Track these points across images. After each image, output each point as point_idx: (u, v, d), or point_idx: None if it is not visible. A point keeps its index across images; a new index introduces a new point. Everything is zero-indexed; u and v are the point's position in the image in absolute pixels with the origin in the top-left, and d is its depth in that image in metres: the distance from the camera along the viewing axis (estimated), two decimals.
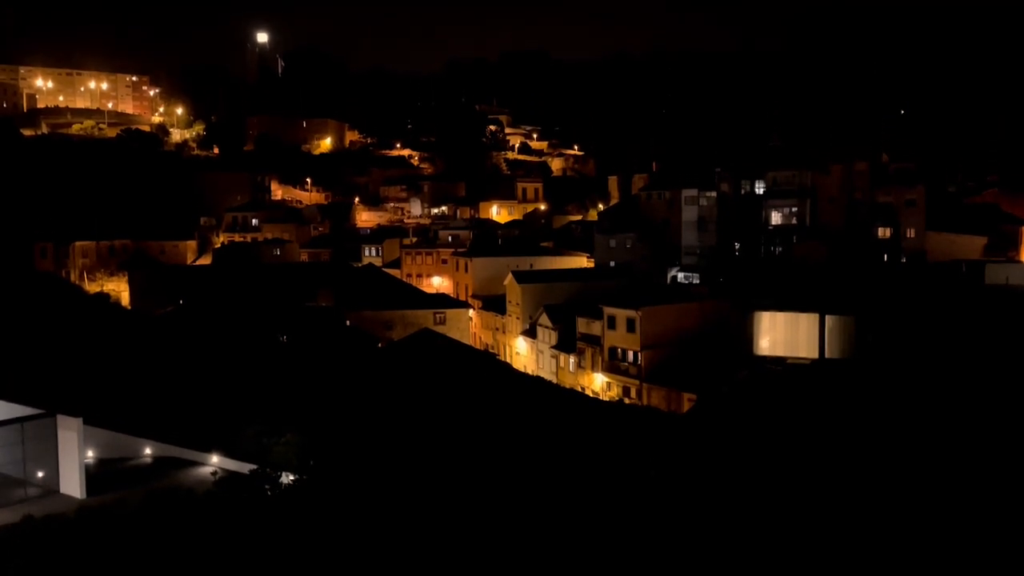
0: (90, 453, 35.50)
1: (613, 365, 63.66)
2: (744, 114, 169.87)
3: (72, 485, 32.62)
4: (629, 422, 41.85)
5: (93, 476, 33.50)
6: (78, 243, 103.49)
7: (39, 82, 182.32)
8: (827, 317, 54.66)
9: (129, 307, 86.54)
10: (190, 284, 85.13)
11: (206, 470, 34.50)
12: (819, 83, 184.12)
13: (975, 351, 43.84)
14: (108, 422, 37.12)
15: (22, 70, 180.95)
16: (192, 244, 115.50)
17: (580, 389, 65.11)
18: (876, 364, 46.39)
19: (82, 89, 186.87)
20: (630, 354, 61.99)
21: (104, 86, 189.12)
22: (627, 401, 59.56)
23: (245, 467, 32.61)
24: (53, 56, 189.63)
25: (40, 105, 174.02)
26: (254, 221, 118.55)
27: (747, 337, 57.30)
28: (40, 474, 33.33)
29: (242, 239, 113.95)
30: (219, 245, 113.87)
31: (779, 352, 55.95)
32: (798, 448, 30.01)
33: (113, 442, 37.05)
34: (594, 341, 65.83)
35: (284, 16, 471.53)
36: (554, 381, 67.71)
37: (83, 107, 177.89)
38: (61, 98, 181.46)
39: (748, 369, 53.05)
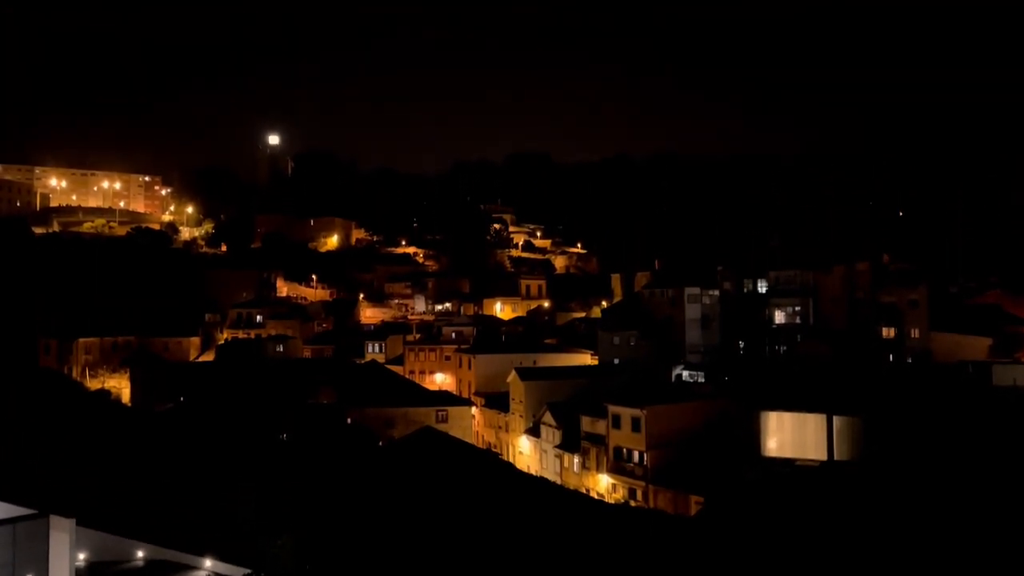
0: (81, 556, 34.45)
1: (618, 466, 62.44)
2: (744, 214, 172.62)
3: None
4: (636, 526, 40.75)
5: None
6: (82, 339, 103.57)
7: (53, 182, 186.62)
8: (835, 418, 53.91)
9: (130, 404, 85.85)
10: (192, 380, 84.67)
11: (199, 575, 33.42)
12: (819, 185, 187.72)
13: (987, 455, 43.04)
14: (102, 523, 36.22)
15: (37, 170, 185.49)
16: (196, 340, 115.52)
17: (585, 491, 63.70)
18: (886, 467, 45.49)
19: (95, 188, 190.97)
20: (635, 454, 60.87)
21: (117, 185, 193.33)
22: (633, 503, 58.17)
23: (239, 571, 31.58)
24: (68, 156, 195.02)
25: (53, 204, 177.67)
26: (258, 317, 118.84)
27: (754, 437, 56.39)
28: None
29: (246, 335, 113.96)
30: (223, 341, 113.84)
31: (787, 453, 54.94)
32: (809, 555, 29.09)
33: (105, 544, 36.02)
34: (598, 440, 64.80)
35: (296, 118, 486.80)
36: (558, 482, 66.32)
37: (95, 206, 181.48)
38: (74, 197, 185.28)
39: (756, 471, 52.02)
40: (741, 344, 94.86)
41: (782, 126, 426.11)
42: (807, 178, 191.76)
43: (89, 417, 61.81)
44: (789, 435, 55.52)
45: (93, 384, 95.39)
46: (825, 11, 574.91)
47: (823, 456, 53.62)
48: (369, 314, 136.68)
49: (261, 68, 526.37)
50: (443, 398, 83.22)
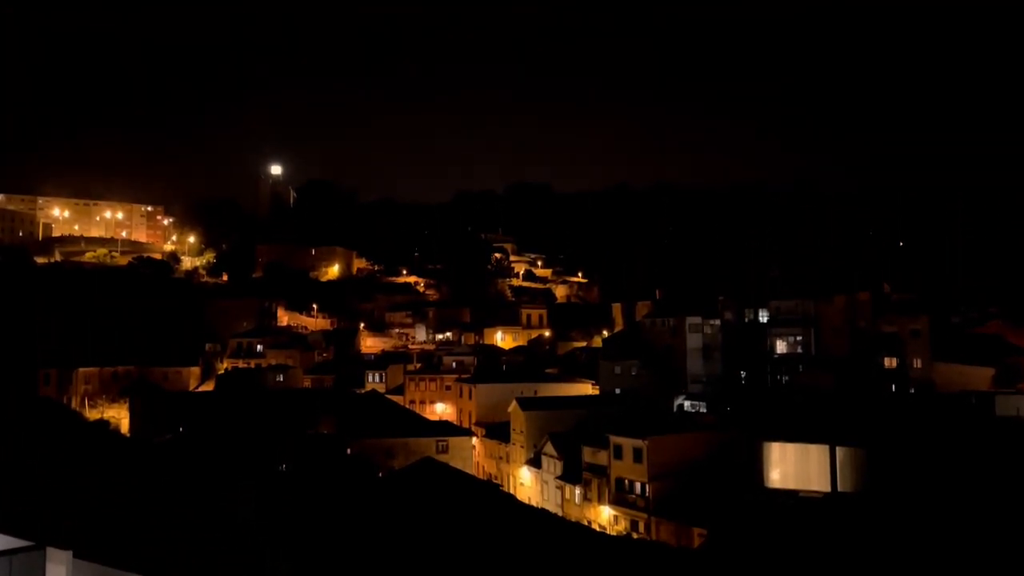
0: None
1: (620, 497, 61.91)
2: (745, 244, 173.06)
3: None
4: (638, 559, 40.30)
5: None
6: (81, 369, 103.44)
7: (56, 212, 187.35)
8: (838, 449, 53.52)
9: (129, 434, 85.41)
10: (191, 411, 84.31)
11: None
12: (819, 215, 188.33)
13: (992, 487, 42.68)
14: (99, 554, 35.80)
15: (40, 200, 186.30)
16: (196, 370, 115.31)
17: (587, 523, 63.07)
18: (891, 499, 45.08)
19: (97, 218, 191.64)
20: (637, 486, 60.39)
21: (119, 215, 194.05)
22: (635, 536, 57.56)
23: None
24: (71, 186, 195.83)
25: (56, 234, 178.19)
26: (259, 347, 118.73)
27: (756, 468, 55.95)
28: None
29: (246, 365, 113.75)
30: (223, 371, 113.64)
31: (790, 485, 54.44)
32: None
33: None
34: (600, 471, 64.31)
35: (298, 149, 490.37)
36: (560, 514, 65.69)
37: (97, 236, 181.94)
38: (77, 227, 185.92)
39: (759, 503, 51.54)
40: (743, 374, 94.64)
41: (782, 156, 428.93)
42: (807, 208, 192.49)
43: (87, 447, 61.41)
44: (792, 466, 55.07)
45: (92, 414, 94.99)
46: (826, 41, 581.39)
47: (827, 487, 53.13)
48: (370, 343, 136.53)
49: (264, 99, 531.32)
50: (444, 428, 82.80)
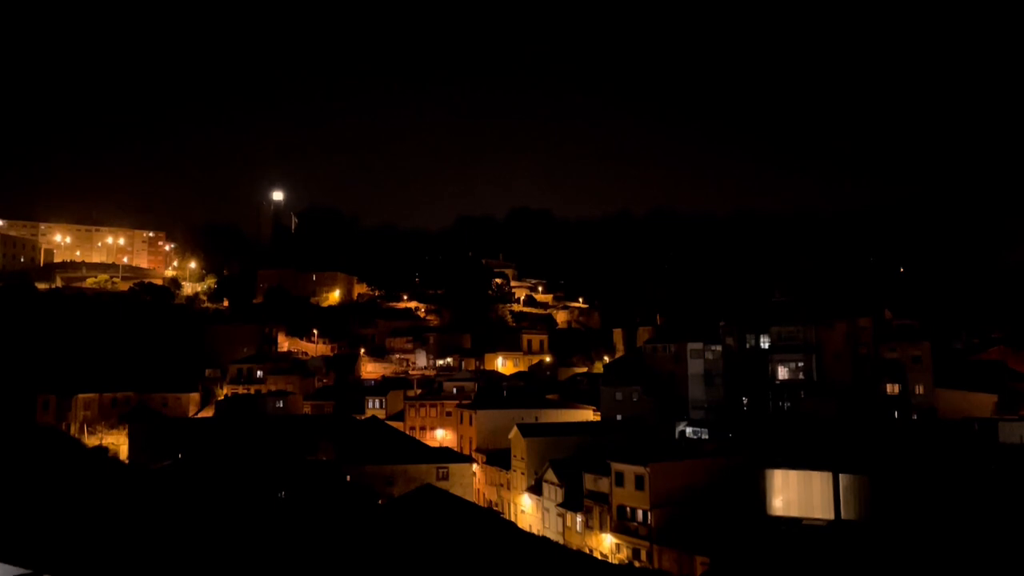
0: None
1: (622, 525, 61.38)
2: (745, 270, 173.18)
3: None
4: None
5: None
6: (81, 395, 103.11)
7: (58, 237, 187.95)
8: (841, 476, 53.17)
9: (127, 461, 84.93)
10: (190, 437, 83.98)
11: None
12: (819, 241, 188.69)
13: (996, 514, 42.32)
14: None
15: (42, 226, 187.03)
16: (195, 396, 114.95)
17: (588, 551, 62.48)
18: (894, 528, 44.69)
19: (99, 244, 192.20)
20: (639, 513, 59.89)
21: (121, 241, 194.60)
22: (637, 564, 57.01)
23: None
24: (73, 212, 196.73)
25: (57, 259, 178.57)
26: (259, 373, 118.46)
27: (760, 496, 55.56)
28: None
29: (246, 391, 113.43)
30: (223, 397, 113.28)
31: (793, 512, 54.04)
32: None
33: None
34: (602, 499, 63.83)
35: (300, 175, 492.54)
36: (561, 542, 65.09)
37: (99, 261, 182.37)
38: (78, 252, 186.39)
39: (763, 531, 51.10)
40: (745, 400, 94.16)
41: (782, 182, 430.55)
42: (807, 233, 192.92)
43: (86, 474, 61.01)
44: (795, 493, 54.69)
45: (91, 440, 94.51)
46: (827, 67, 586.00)
47: (830, 515, 52.72)
48: (370, 369, 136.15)
49: (267, 125, 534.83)
50: (444, 455, 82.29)
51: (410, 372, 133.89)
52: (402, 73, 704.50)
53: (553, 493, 71.01)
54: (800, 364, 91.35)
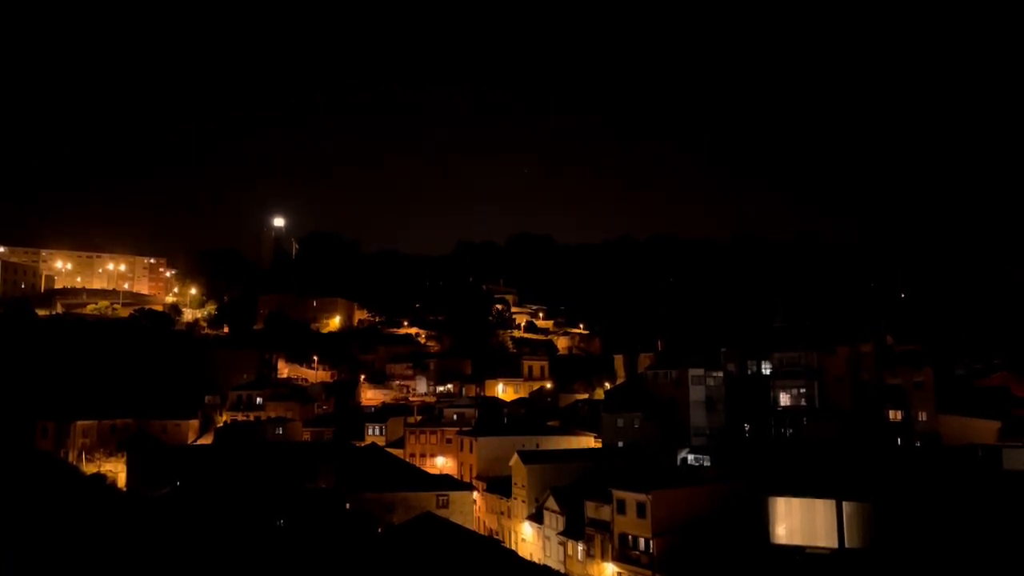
0: None
1: (624, 553, 60.70)
2: (746, 295, 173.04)
3: None
4: None
5: None
6: (79, 422, 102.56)
7: (59, 264, 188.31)
8: (844, 504, 52.68)
9: (125, 488, 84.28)
10: (189, 464, 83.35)
11: None
12: (820, 266, 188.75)
13: (1000, 542, 41.87)
14: None
15: (43, 252, 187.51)
16: (194, 423, 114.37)
17: None
18: (899, 556, 44.20)
19: (100, 270, 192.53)
20: (641, 541, 59.27)
21: (121, 267, 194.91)
22: None
23: None
24: (73, 238, 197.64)
25: (58, 285, 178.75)
26: (258, 399, 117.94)
27: (763, 523, 55.01)
28: None
29: (245, 417, 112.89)
30: (222, 423, 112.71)
31: (797, 540, 53.48)
32: None
33: None
34: (603, 527, 63.20)
35: (301, 201, 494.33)
36: (562, 571, 64.35)
37: (99, 287, 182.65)
38: (79, 279, 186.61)
39: (766, 559, 50.52)
40: (747, 426, 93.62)
41: (783, 207, 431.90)
42: (808, 259, 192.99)
43: (83, 502, 60.49)
44: (798, 521, 54.16)
45: (89, 468, 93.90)
46: (827, 91, 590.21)
47: (834, 543, 52.17)
48: (370, 395, 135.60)
49: (268, 152, 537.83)
50: (444, 482, 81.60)
51: (410, 398, 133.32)
52: (403, 100, 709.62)
53: (554, 521, 70.34)
54: (802, 390, 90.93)
